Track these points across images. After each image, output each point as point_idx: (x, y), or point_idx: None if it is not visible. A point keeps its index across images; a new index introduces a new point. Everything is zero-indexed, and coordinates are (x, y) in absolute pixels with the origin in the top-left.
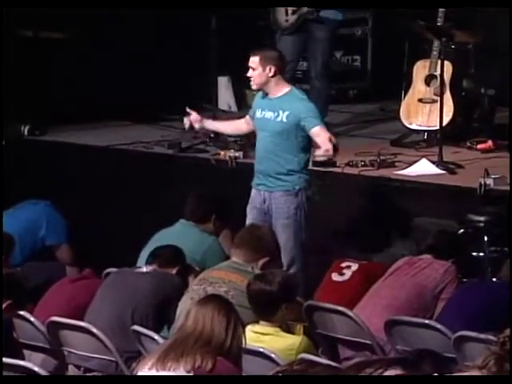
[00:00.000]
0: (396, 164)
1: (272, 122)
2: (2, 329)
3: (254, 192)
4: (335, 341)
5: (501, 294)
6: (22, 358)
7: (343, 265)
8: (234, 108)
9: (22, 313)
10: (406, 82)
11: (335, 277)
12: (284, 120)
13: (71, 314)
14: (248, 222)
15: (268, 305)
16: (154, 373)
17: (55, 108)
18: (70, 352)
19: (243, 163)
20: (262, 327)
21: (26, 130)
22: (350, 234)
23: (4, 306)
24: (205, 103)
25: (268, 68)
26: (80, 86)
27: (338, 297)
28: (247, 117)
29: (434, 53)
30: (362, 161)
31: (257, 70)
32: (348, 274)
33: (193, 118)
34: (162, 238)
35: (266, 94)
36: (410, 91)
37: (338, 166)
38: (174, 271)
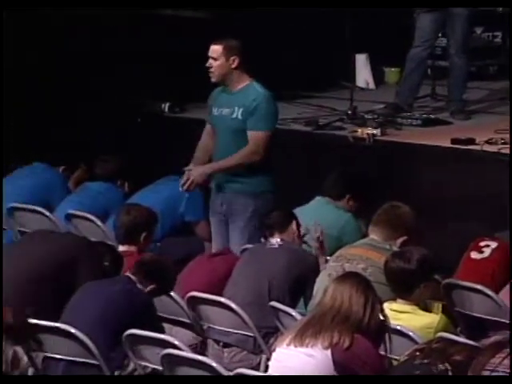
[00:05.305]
0: None
1: (228, 118)
2: (1, 325)
3: (213, 194)
4: (474, 319)
5: None
6: (163, 332)
7: (482, 244)
8: (372, 85)
9: None
10: None
11: (474, 255)
12: (239, 117)
13: (212, 288)
14: (212, 226)
15: (406, 283)
16: (292, 349)
17: (194, 88)
18: (209, 327)
19: (381, 140)
20: (399, 305)
21: (166, 107)
22: (487, 213)
23: (148, 289)
24: (342, 80)
25: (231, 59)
26: None
27: (477, 274)
28: (207, 127)
29: None
30: (501, 138)
31: (218, 60)
32: (487, 251)
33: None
34: (299, 214)
35: (224, 89)
36: None
37: (477, 144)
38: (293, 228)
